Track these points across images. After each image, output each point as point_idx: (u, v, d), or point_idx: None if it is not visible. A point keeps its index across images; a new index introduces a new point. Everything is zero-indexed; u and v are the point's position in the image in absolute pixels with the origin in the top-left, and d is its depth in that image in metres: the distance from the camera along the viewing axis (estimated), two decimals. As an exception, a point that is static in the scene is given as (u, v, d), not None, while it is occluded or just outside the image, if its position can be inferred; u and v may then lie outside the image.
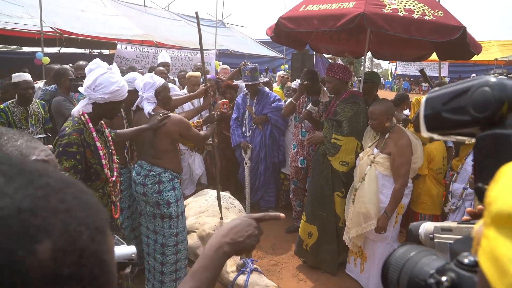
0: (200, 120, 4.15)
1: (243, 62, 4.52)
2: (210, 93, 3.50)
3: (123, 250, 1.18)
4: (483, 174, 0.45)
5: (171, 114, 2.78)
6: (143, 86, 2.76)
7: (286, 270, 3.60)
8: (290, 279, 3.45)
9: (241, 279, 3.06)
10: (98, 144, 2.15)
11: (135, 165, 2.90)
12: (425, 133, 0.50)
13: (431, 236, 0.87)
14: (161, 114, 2.70)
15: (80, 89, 2.17)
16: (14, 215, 0.33)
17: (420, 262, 0.56)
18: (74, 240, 0.36)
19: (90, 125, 2.14)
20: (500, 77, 0.42)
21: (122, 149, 3.06)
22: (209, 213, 3.77)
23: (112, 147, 2.34)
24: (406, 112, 5.14)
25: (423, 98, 0.51)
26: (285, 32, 4.06)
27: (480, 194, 0.45)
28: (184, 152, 4.74)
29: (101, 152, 2.15)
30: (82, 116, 2.14)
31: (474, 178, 0.47)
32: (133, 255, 1.18)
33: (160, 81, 2.79)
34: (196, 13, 3.65)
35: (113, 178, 2.24)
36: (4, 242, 0.32)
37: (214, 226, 3.53)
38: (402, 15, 2.98)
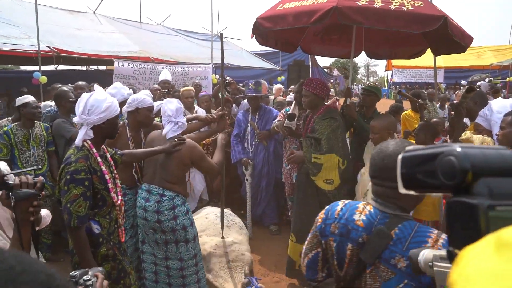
0: (210, 139, 4.15)
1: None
2: (227, 118, 3.52)
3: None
4: (452, 239, 0.47)
5: (186, 140, 2.76)
6: (175, 111, 2.76)
7: (290, 287, 3.56)
8: (294, 297, 3.42)
9: (246, 297, 3.04)
10: (103, 168, 2.16)
11: (140, 190, 2.83)
12: (402, 190, 0.52)
13: (430, 264, 0.87)
14: (176, 139, 2.71)
15: (74, 119, 2.16)
16: None
17: None
18: None
19: (94, 150, 2.14)
20: (465, 146, 0.45)
21: (130, 168, 3.01)
22: (210, 231, 3.74)
23: (115, 171, 2.35)
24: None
25: (399, 156, 0.52)
26: (273, 34, 3.99)
27: (450, 258, 0.47)
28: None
29: (107, 177, 2.16)
30: (85, 143, 2.13)
31: (448, 240, 0.49)
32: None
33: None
34: (221, 34, 3.74)
35: (119, 202, 2.26)
36: None
37: (215, 245, 3.51)
38: (378, 6, 2.92)
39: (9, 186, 1.46)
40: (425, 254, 0.89)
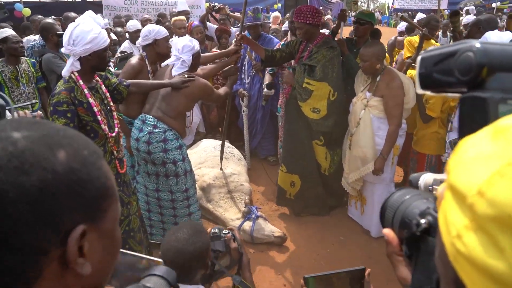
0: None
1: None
2: (241, 52, 3.50)
3: None
4: (462, 132, 0.49)
5: (196, 78, 2.77)
6: (181, 48, 2.76)
7: (287, 215, 3.71)
8: (292, 224, 3.56)
9: (247, 225, 3.18)
10: (91, 100, 2.16)
11: (136, 120, 2.83)
12: (420, 90, 0.53)
13: (430, 188, 0.88)
14: (185, 76, 2.71)
15: (62, 49, 2.12)
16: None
17: (411, 205, 0.63)
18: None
19: (81, 82, 2.14)
20: (485, 42, 0.44)
21: (142, 103, 2.95)
22: (209, 163, 3.82)
23: (111, 104, 2.35)
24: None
25: (419, 57, 0.52)
26: None
27: None
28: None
29: (95, 109, 2.17)
30: (72, 74, 2.13)
31: (458, 134, 0.51)
32: None
33: (198, 46, 2.84)
34: None
35: (113, 134, 2.29)
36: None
37: (214, 176, 3.59)
38: None
39: None
40: (425, 179, 0.90)
